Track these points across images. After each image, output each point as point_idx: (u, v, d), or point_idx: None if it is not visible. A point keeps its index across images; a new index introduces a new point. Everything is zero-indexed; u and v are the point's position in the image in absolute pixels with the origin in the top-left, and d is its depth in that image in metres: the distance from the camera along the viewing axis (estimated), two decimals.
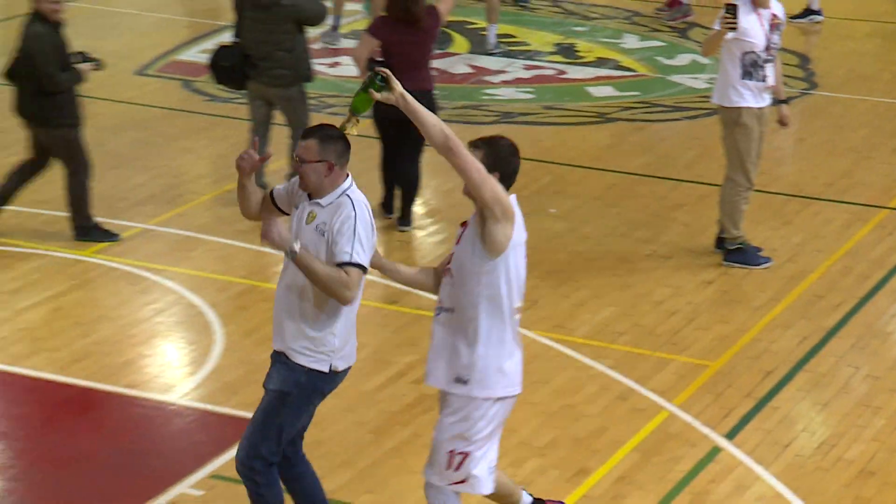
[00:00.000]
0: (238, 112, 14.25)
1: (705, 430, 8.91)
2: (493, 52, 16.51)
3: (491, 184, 6.69)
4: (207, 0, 17.93)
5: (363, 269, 6.93)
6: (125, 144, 13.39)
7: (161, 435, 8.95)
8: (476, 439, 7.00)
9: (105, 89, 14.75)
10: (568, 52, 16.56)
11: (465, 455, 7.00)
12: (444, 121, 6.74)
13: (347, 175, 7.02)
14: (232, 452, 8.56)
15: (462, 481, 7.03)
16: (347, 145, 7.00)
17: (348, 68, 15.32)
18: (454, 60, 16.02)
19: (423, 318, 10.32)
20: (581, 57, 16.44)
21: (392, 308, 10.49)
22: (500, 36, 16.76)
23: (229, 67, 11.94)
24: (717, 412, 9.13)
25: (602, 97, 15.19)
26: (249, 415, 8.89)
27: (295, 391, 7.11)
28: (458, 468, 7.03)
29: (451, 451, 7.03)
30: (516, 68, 15.92)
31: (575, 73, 15.91)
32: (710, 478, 8.41)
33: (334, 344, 7.06)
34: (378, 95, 6.63)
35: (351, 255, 6.87)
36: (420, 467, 8.46)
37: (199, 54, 15.93)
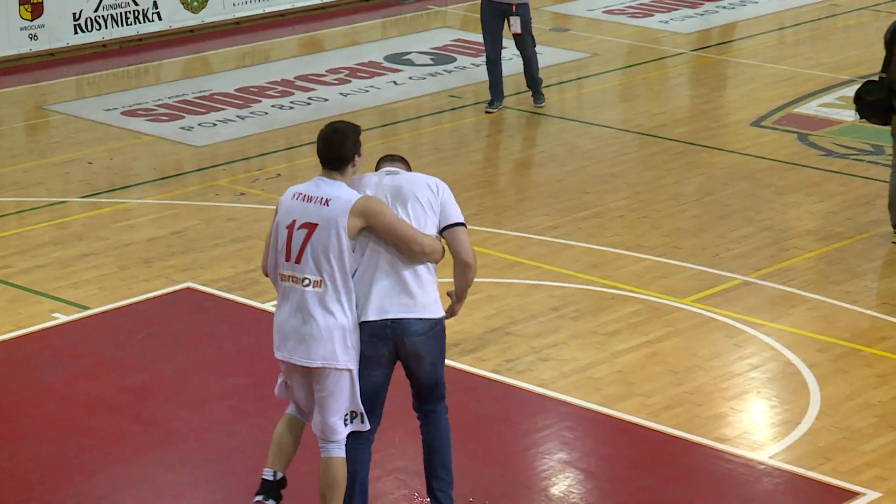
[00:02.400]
0: (851, 169, 13.10)
1: None
2: None
3: None
4: (836, 52, 16.68)
5: None
6: (734, 194, 12.51)
7: (747, 494, 8.12)
8: None
9: (719, 139, 13.96)
10: None
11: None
12: None
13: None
14: None
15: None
16: None
17: None
18: None
19: None
20: None
21: None
22: None
23: (874, 101, 11.30)
24: None
25: None
26: (842, 483, 8.18)
27: None
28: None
29: None
30: None
31: None
32: None
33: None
34: None
35: None
36: None
37: (819, 108, 14.80)
